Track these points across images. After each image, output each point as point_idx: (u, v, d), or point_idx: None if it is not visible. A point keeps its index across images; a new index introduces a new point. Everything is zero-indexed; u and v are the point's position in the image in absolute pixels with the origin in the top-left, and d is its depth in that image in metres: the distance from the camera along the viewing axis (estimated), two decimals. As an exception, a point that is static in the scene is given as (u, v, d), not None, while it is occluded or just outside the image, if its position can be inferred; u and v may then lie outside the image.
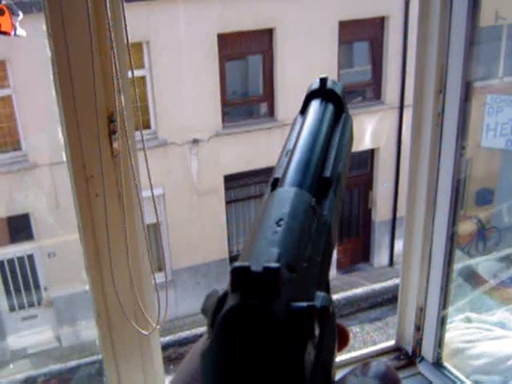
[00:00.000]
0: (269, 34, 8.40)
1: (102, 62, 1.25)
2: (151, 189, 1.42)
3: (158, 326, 1.54)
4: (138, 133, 1.38)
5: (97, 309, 1.48)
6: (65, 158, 1.35)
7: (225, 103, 8.44)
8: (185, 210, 8.44)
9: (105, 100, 1.29)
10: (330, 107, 0.53)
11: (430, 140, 1.67)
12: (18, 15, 1.28)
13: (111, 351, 1.54)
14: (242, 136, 8.58)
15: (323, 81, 0.54)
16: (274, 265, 0.32)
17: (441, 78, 1.60)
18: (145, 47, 7.67)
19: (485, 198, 7.20)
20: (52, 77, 1.27)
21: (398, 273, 2.43)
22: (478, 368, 1.93)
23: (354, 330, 7.20)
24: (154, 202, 1.43)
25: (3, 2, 1.26)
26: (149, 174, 1.41)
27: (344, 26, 8.62)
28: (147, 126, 7.90)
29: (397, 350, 2.00)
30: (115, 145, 1.32)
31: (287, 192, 0.42)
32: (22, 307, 7.79)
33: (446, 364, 1.91)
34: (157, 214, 1.50)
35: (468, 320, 2.26)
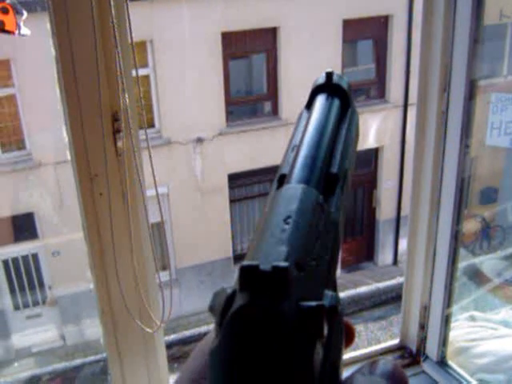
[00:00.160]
0: (273, 32, 8.39)
1: (106, 61, 1.25)
2: (155, 188, 1.42)
3: (163, 325, 1.54)
4: (142, 131, 1.37)
5: (101, 307, 1.48)
6: (69, 157, 1.36)
7: (229, 102, 8.44)
8: (189, 209, 8.45)
9: (109, 99, 1.29)
10: (336, 102, 0.52)
11: (434, 139, 1.66)
12: (22, 14, 1.28)
13: (116, 349, 1.54)
14: (246, 135, 8.58)
15: (329, 75, 0.53)
16: (283, 264, 0.32)
17: (445, 76, 1.60)
18: (149, 46, 7.67)
19: (489, 196, 7.19)
20: (56, 76, 1.28)
21: (402, 271, 2.43)
22: (483, 367, 1.93)
23: (359, 328, 7.19)
24: (159, 201, 1.43)
25: (7, 1, 1.26)
26: (153, 172, 1.41)
27: (348, 24, 8.61)
28: (151, 124, 7.89)
29: (401, 348, 2.00)
30: (119, 144, 1.32)
31: (295, 189, 0.42)
32: (26, 306, 7.81)
33: (450, 363, 1.90)
34: (161, 213, 1.50)
35: (472, 319, 2.26)
